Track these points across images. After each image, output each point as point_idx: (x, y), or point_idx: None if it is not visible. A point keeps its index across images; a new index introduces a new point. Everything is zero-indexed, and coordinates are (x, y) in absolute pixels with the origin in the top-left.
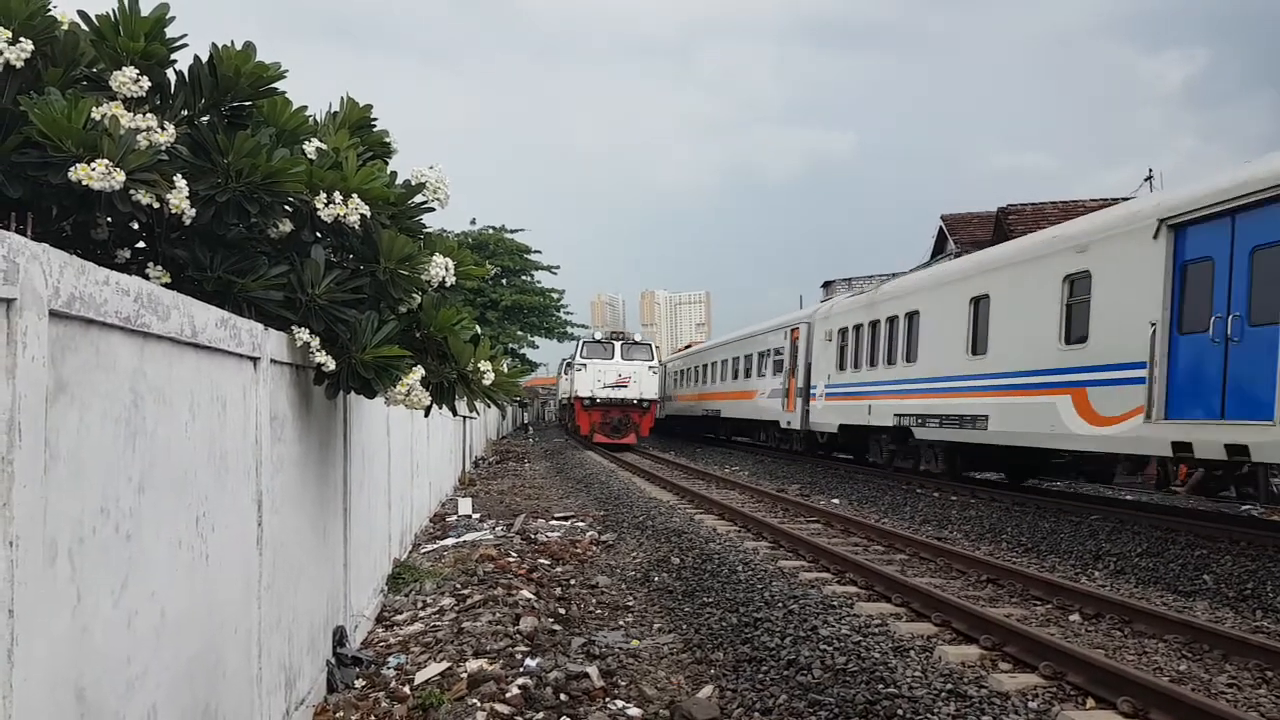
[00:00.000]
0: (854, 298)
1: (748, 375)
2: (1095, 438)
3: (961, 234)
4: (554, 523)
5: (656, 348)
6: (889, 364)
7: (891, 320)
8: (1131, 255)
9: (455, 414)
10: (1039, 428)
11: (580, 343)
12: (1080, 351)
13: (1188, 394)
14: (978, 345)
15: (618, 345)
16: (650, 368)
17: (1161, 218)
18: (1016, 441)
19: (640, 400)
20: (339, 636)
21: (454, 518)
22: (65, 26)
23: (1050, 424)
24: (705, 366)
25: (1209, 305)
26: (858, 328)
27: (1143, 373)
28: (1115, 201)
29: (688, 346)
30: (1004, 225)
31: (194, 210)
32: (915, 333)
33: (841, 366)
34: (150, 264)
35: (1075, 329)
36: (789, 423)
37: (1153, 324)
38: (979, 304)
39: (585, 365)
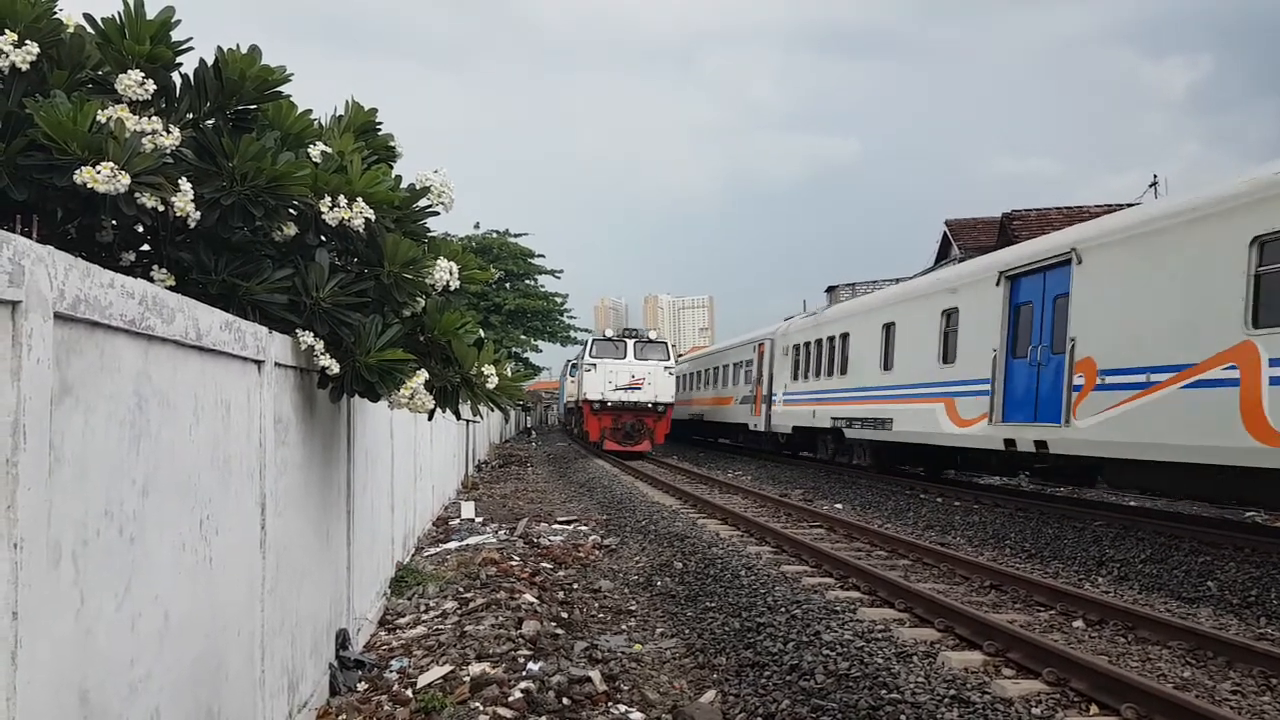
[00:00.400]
0: (806, 319)
1: (724, 384)
2: (959, 435)
3: (965, 239)
4: (557, 527)
5: (672, 346)
6: (829, 375)
7: (831, 339)
8: (983, 297)
9: (459, 418)
10: (925, 428)
11: (590, 341)
12: (951, 369)
13: (1015, 403)
14: (888, 362)
15: (630, 344)
16: (666, 368)
17: (1002, 270)
18: (910, 439)
19: (655, 404)
20: (342, 639)
21: (457, 521)
22: (71, 29)
23: (932, 425)
24: (691, 375)
25: (1029, 337)
26: (807, 344)
27: (988, 386)
28: (1119, 207)
29: (680, 356)
30: (1008, 230)
31: (199, 213)
32: (847, 351)
33: (795, 377)
34: (155, 267)
35: (949, 352)
36: (756, 425)
37: (994, 350)
38: (889, 329)
39: (595, 365)
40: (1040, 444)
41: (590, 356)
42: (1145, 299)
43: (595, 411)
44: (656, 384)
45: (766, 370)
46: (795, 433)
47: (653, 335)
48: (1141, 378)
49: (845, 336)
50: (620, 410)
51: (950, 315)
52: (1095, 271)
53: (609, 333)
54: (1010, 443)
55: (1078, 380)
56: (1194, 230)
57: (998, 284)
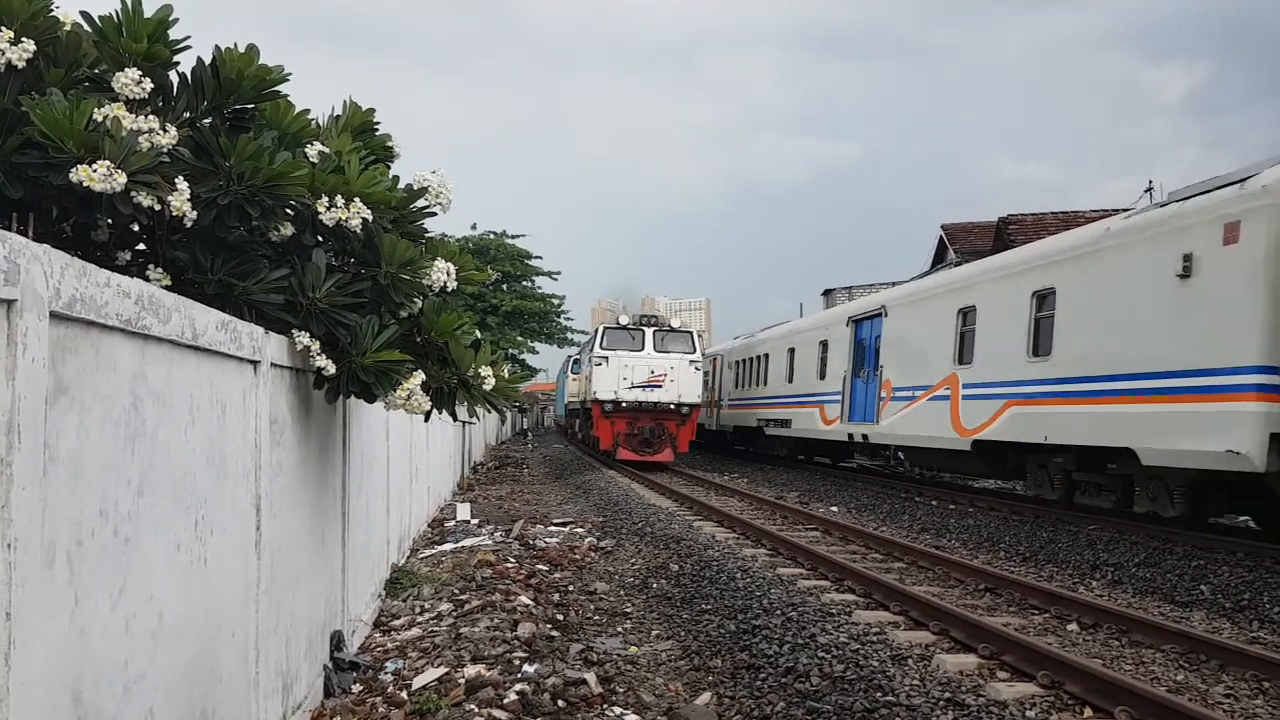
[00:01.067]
0: (745, 341)
1: None
2: (826, 431)
3: (962, 243)
4: (552, 528)
5: (699, 334)
6: (755, 385)
7: (758, 358)
8: (840, 334)
9: (455, 419)
10: (809, 426)
11: (600, 329)
12: (823, 383)
13: (855, 408)
14: (790, 377)
15: (649, 333)
16: (692, 362)
17: (850, 315)
18: (801, 434)
19: (678, 405)
20: (336, 641)
21: (452, 523)
22: (68, 27)
23: (812, 424)
24: None
25: (864, 363)
26: (743, 360)
27: (840, 396)
28: (1114, 212)
29: None
30: (1004, 234)
31: (195, 213)
32: (766, 367)
33: (735, 386)
34: (151, 266)
35: (823, 371)
36: (710, 424)
37: (845, 371)
38: (791, 352)
39: (607, 358)
40: (865, 436)
41: (601, 348)
42: (913, 342)
43: (607, 414)
44: (680, 381)
45: (717, 380)
46: (735, 430)
47: (675, 323)
48: (910, 393)
49: (766, 356)
50: (637, 412)
51: (824, 345)
52: (894, 322)
53: (623, 319)
54: (850, 435)
55: (883, 394)
56: (937, 301)
57: (847, 325)
